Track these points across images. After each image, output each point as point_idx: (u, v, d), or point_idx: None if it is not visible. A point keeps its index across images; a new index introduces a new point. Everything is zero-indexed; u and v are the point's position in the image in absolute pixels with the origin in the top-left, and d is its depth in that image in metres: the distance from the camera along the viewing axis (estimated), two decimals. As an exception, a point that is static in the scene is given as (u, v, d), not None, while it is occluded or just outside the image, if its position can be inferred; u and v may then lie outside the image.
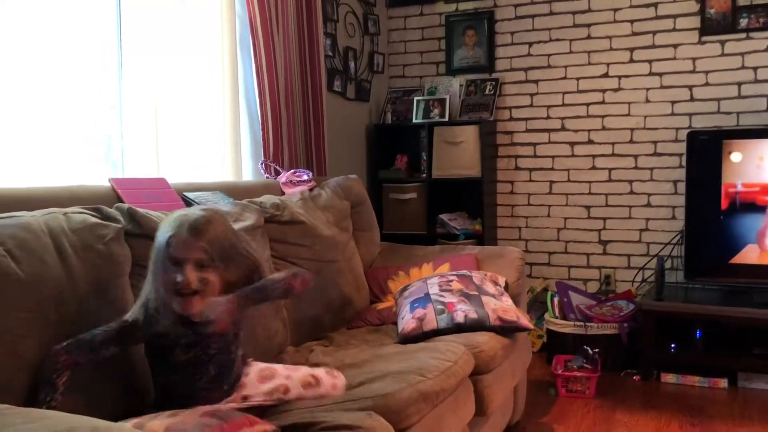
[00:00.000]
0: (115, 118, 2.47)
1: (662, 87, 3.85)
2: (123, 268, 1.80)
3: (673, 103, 3.83)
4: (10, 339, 1.47)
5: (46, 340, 1.53)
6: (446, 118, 4.08)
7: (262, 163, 3.07)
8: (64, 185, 2.01)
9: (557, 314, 3.70)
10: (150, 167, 2.61)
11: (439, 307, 2.39)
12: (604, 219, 4.03)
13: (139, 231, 1.89)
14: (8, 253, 1.53)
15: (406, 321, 2.39)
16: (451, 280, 2.53)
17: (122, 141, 2.51)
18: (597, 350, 3.35)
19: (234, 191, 2.57)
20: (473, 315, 2.36)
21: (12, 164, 2.12)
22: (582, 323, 3.57)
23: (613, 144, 3.98)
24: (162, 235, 1.55)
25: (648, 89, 3.88)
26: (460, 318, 2.34)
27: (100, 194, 2.06)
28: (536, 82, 4.12)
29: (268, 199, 2.60)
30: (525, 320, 2.45)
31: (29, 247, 1.58)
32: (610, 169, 4.00)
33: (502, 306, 2.42)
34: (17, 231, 1.59)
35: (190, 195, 2.37)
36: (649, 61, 3.87)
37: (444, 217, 4.07)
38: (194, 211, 1.59)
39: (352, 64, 4.02)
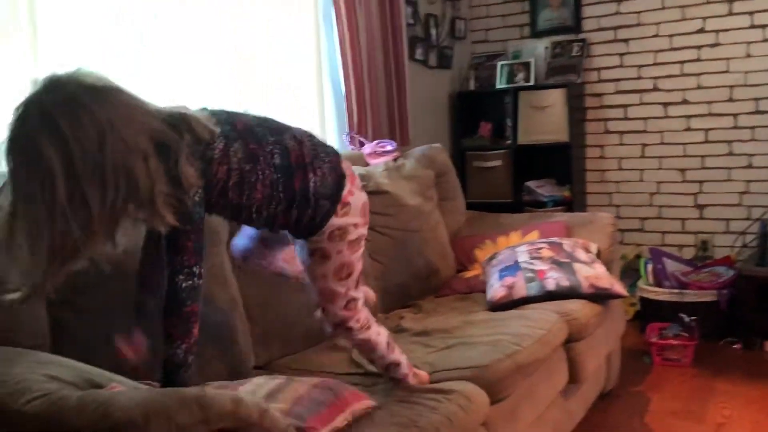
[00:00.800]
0: (198, 88, 2.54)
1: (765, 40, 3.60)
2: (221, 236, 1.87)
3: (777, 56, 3.59)
4: (105, 309, 1.55)
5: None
6: (532, 83, 3.98)
7: (346, 135, 3.10)
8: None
9: (651, 281, 3.58)
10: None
11: (529, 275, 2.36)
12: (701, 182, 3.85)
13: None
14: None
15: (495, 289, 2.38)
16: (541, 248, 2.50)
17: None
18: (694, 318, 3.23)
19: (321, 163, 2.61)
20: (565, 282, 2.32)
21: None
22: (678, 290, 3.45)
23: (709, 103, 3.78)
24: None
25: (749, 43, 3.64)
26: (551, 286, 2.31)
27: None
28: (626, 41, 3.95)
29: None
30: (619, 287, 2.39)
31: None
32: (706, 130, 3.80)
33: (594, 273, 2.37)
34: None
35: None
36: (750, 13, 3.63)
37: (531, 184, 3.99)
38: None
39: (433, 32, 3.97)
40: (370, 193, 2.55)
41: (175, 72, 2.38)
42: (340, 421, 1.36)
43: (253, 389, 1.39)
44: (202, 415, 1.00)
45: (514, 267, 2.41)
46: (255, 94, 2.74)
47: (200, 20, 2.49)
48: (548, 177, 4.06)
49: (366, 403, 1.48)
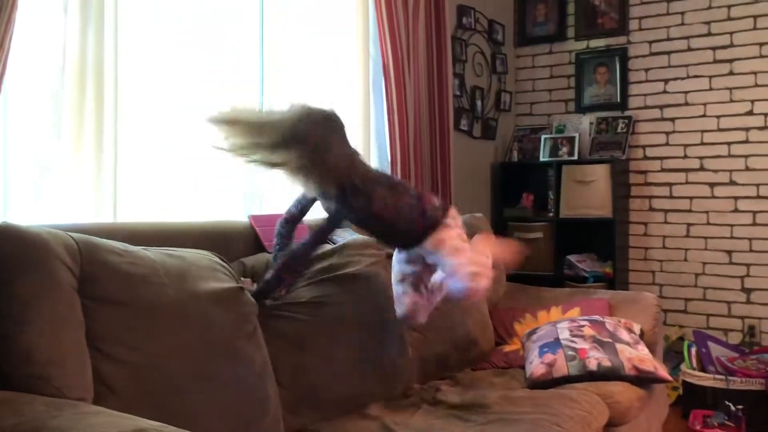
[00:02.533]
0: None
1: (815, 125, 3.58)
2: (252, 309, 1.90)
3: (827, 140, 3.55)
4: (160, 361, 1.58)
5: (191, 364, 1.64)
6: (575, 157, 3.99)
7: (390, 201, 3.12)
8: (210, 221, 2.15)
9: (695, 365, 3.47)
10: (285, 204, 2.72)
11: (570, 353, 2.31)
12: (748, 265, 3.76)
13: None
14: (168, 280, 1.66)
15: (535, 366, 2.33)
16: (583, 326, 2.45)
17: (259, 180, 2.64)
18: (741, 407, 3.10)
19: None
20: (607, 363, 2.26)
21: (159, 199, 2.28)
22: (723, 377, 3.32)
23: (758, 186, 3.73)
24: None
25: (799, 127, 3.62)
26: (592, 366, 2.25)
27: (240, 230, 2.19)
28: (672, 120, 3.95)
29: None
30: (663, 371, 2.32)
31: (184, 276, 1.70)
32: (754, 213, 3.74)
33: (638, 355, 2.31)
34: (176, 262, 1.72)
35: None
36: (800, 98, 3.61)
37: (572, 258, 3.95)
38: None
39: (479, 103, 4.04)
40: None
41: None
42: None
43: None
44: None
45: (555, 344, 2.36)
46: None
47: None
48: (590, 252, 4.02)
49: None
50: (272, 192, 2.67)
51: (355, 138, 3.03)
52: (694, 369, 3.46)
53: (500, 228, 4.06)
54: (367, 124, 3.10)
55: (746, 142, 3.75)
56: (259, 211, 2.62)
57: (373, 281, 2.33)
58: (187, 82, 2.36)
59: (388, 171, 3.13)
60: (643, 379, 2.27)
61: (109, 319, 1.54)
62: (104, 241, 1.61)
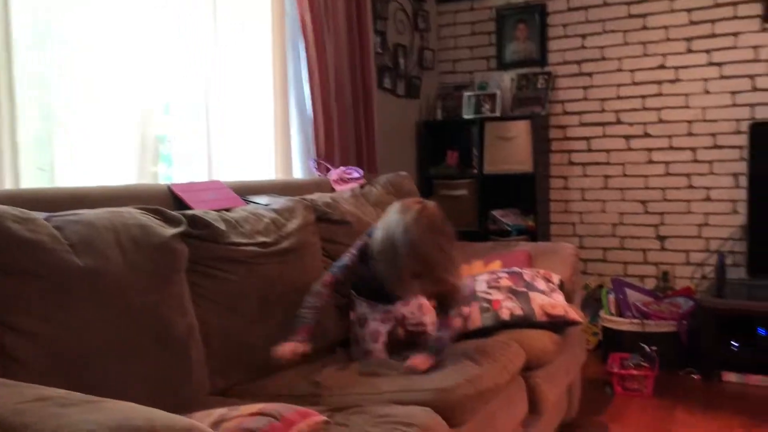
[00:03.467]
0: (166, 119, 2.53)
1: (722, 77, 3.72)
2: (181, 264, 1.86)
3: (733, 93, 3.70)
4: (74, 331, 1.54)
5: (109, 330, 1.60)
6: (498, 113, 4.04)
7: (313, 161, 3.10)
8: (125, 185, 2.07)
9: (613, 311, 3.63)
10: (202, 168, 2.66)
11: (485, 305, 2.37)
12: (662, 214, 3.93)
13: (197, 233, 1.96)
14: (72, 248, 1.60)
15: (454, 318, 2.38)
16: (501, 277, 2.51)
17: (171, 142, 2.57)
18: (655, 348, 3.27)
19: (285, 189, 2.61)
20: (518, 312, 2.33)
21: (68, 164, 2.19)
22: (639, 321, 3.49)
23: (670, 137, 3.88)
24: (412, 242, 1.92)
25: (707, 80, 3.76)
26: (505, 315, 2.32)
27: (159, 196, 2.12)
28: (590, 74, 4.04)
29: (319, 196, 2.63)
30: (574, 314, 2.40)
31: (92, 243, 1.65)
32: (667, 163, 3.89)
33: (550, 302, 2.39)
34: (81, 228, 1.66)
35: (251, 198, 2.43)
36: (708, 51, 3.75)
37: (496, 213, 4.04)
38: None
39: (402, 61, 4.02)
40: (334, 222, 2.58)
41: (140, 95, 2.37)
42: None
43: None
44: None
45: (471, 297, 2.42)
46: (221, 117, 2.73)
47: (165, 41, 2.48)
48: (513, 206, 4.11)
49: (315, 419, 1.46)
50: (183, 158, 2.61)
51: (272, 101, 2.98)
52: (612, 315, 3.61)
53: (425, 186, 4.09)
54: (285, 86, 3.04)
55: (659, 95, 3.88)
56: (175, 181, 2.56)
57: (303, 245, 2.32)
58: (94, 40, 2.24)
59: (311, 134, 3.09)
60: (554, 324, 2.35)
61: (12, 289, 1.47)
62: (0, 207, 1.54)
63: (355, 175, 3.05)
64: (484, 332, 2.30)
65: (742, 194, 3.64)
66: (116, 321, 1.63)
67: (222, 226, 2.05)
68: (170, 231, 1.86)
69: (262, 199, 2.45)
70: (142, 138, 2.37)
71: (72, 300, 1.56)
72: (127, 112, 2.33)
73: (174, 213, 1.95)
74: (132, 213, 1.84)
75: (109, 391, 1.52)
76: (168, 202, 2.12)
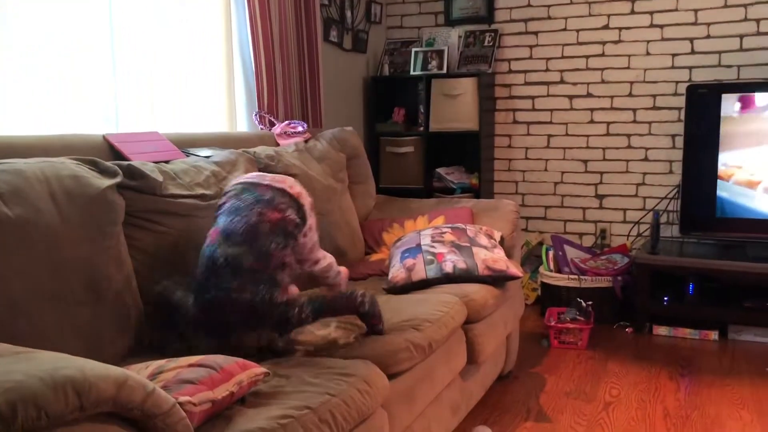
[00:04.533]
0: (108, 70, 2.44)
1: (663, 39, 3.79)
2: (117, 217, 1.81)
3: (673, 56, 3.78)
4: (4, 279, 1.49)
5: (41, 282, 1.55)
6: (444, 71, 4.03)
7: (256, 114, 3.05)
8: (59, 134, 2.00)
9: (552, 267, 3.72)
10: (144, 120, 2.58)
11: (429, 257, 2.40)
12: (601, 173, 4.02)
13: (134, 184, 1.91)
14: (1, 198, 1.54)
15: (396, 270, 2.41)
16: (445, 232, 2.54)
17: (115, 93, 2.48)
18: (590, 303, 3.38)
19: (228, 142, 2.56)
20: (462, 265, 2.37)
21: (7, 113, 2.10)
22: (576, 276, 3.60)
23: (612, 97, 3.95)
24: None
25: (648, 42, 3.82)
26: (448, 268, 2.36)
27: (94, 146, 2.05)
28: (536, 33, 4.06)
29: (262, 150, 2.59)
30: (514, 269, 2.46)
31: (23, 193, 1.59)
32: (608, 123, 3.97)
33: (492, 256, 2.44)
34: (11, 177, 1.60)
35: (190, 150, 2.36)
36: (651, 13, 3.80)
37: (441, 171, 4.06)
38: None
39: (348, 14, 3.95)
40: (279, 174, 2.54)
41: (83, 46, 2.27)
42: (221, 391, 1.33)
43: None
44: (78, 402, 0.95)
45: (416, 249, 2.44)
46: (163, 69, 2.65)
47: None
48: (458, 164, 4.15)
49: (255, 370, 1.46)
50: (125, 111, 2.52)
51: (216, 54, 2.90)
52: (551, 271, 3.71)
53: (372, 143, 4.08)
54: (230, 37, 2.96)
55: (602, 55, 3.93)
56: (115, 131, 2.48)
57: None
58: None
59: (254, 86, 3.03)
60: (496, 278, 2.40)
61: (-65, 240, 1.42)
62: None
63: (300, 129, 3.01)
64: (427, 284, 2.33)
65: (678, 155, 3.76)
66: (49, 273, 1.59)
67: (159, 178, 2.00)
68: (106, 182, 1.81)
69: (203, 152, 2.40)
70: (84, 90, 2.28)
71: (2, 251, 1.50)
72: (69, 63, 2.23)
73: (110, 164, 1.90)
74: (66, 163, 1.78)
75: (42, 343, 1.50)
76: (104, 152, 2.06)
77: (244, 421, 1.33)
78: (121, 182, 1.86)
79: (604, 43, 3.92)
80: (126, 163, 1.96)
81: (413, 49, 4.13)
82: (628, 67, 3.88)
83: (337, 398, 1.48)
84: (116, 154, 2.09)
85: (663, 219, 3.82)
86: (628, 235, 3.96)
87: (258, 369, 1.48)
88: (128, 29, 2.50)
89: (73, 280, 1.64)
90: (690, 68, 3.75)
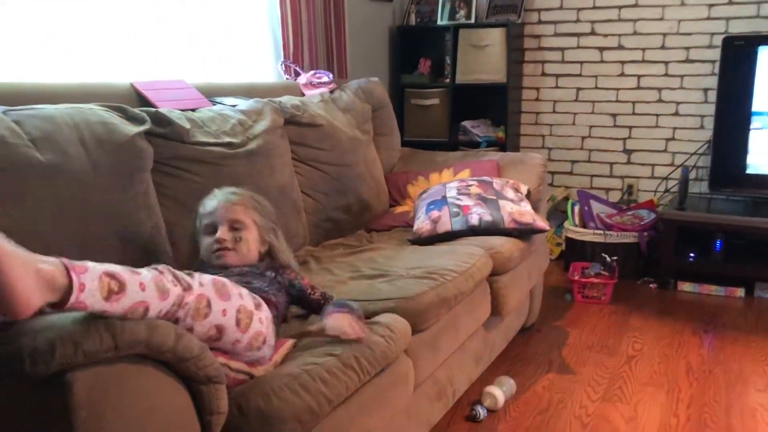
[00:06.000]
0: (136, 20, 2.42)
1: (700, -11, 3.67)
2: (146, 164, 1.83)
3: (710, 6, 3.66)
4: (33, 226, 1.52)
5: (71, 226, 1.57)
6: (472, 20, 3.95)
7: (281, 64, 3.02)
8: (87, 82, 2.00)
9: (577, 222, 3.70)
10: (169, 68, 2.57)
11: (455, 209, 2.39)
12: (630, 128, 3.95)
13: (161, 131, 1.91)
14: (32, 143, 1.56)
15: (421, 222, 2.41)
16: (471, 185, 2.53)
17: (142, 42, 2.47)
18: (615, 258, 3.36)
19: (253, 92, 2.55)
20: (488, 218, 2.36)
21: (38, 61, 2.10)
22: (601, 231, 3.57)
23: (643, 50, 3.85)
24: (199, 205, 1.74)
25: (684, -9, 3.70)
26: (474, 221, 2.35)
27: (122, 94, 2.06)
28: (567, -18, 3.95)
29: (288, 99, 2.58)
30: (541, 222, 2.44)
31: (53, 138, 1.61)
32: (639, 76, 3.88)
33: (518, 210, 2.42)
34: (41, 122, 1.61)
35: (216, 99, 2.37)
36: (688, -39, 3.67)
37: (466, 124, 4.02)
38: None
39: (375, -38, 3.87)
40: (305, 125, 2.54)
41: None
42: (260, 371, 1.36)
43: None
44: (112, 342, 0.97)
45: (441, 202, 2.44)
46: (189, 18, 2.63)
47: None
48: (484, 117, 4.09)
49: (288, 345, 1.49)
50: (149, 58, 2.51)
51: (242, 3, 2.87)
52: (576, 226, 3.68)
53: (397, 95, 4.04)
54: (255, -18, 2.92)
55: (635, 6, 3.82)
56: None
57: (271, 147, 2.29)
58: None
59: (280, 36, 3.00)
60: (522, 231, 2.39)
61: (-30, 183, 1.44)
62: (-48, 99, 1.48)
63: (325, 79, 2.98)
64: (452, 236, 2.33)
65: (710, 109, 3.67)
66: (78, 218, 1.61)
67: (187, 125, 2.00)
68: (134, 129, 1.82)
69: (229, 101, 2.40)
70: (112, 39, 2.27)
71: (32, 195, 1.53)
72: (97, 11, 2.22)
73: (138, 111, 1.90)
74: (94, 110, 1.79)
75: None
76: (131, 100, 2.06)
77: (271, 374, 1.36)
78: (149, 129, 1.87)
79: (637, -8, 3.80)
80: (153, 110, 1.96)
81: (440, -2, 4.04)
82: (661, 18, 3.77)
83: (361, 344, 1.50)
84: (143, 102, 2.09)
85: (692, 175, 3.76)
86: (656, 191, 3.90)
87: (289, 343, 1.49)
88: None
89: (102, 225, 1.67)
90: (727, 19, 3.63)
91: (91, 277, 1.00)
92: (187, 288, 1.18)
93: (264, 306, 1.42)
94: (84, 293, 0.98)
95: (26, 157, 1.53)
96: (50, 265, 0.97)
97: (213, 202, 1.71)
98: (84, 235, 1.61)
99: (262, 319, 1.37)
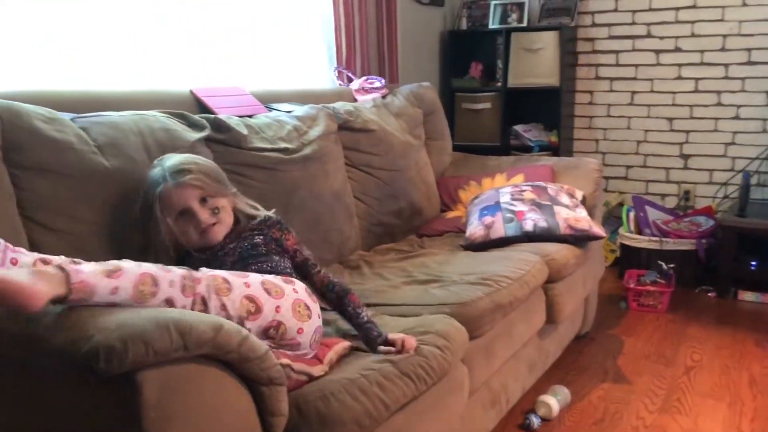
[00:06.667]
0: (195, 28, 2.47)
1: (762, -11, 3.56)
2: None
3: (773, 6, 3.55)
4: (97, 228, 1.56)
5: (131, 231, 1.62)
6: (524, 24, 3.91)
7: (335, 70, 3.05)
8: (149, 89, 2.06)
9: (632, 229, 3.62)
10: (225, 75, 2.62)
11: (508, 215, 2.37)
12: (687, 132, 3.85)
13: (220, 137, 1.95)
14: (98, 149, 1.60)
15: (474, 227, 2.39)
16: (525, 190, 2.50)
17: (201, 50, 2.52)
18: (672, 266, 3.28)
19: (307, 98, 2.58)
20: (543, 224, 2.33)
21: (101, 69, 2.16)
22: (657, 238, 3.49)
23: (702, 52, 3.75)
24: (150, 193, 1.55)
25: (746, -9, 3.60)
26: (528, 226, 2.32)
27: (182, 100, 2.11)
28: (622, -16, 3.88)
29: (341, 105, 2.60)
30: (597, 228, 2.40)
31: (118, 144, 1.65)
32: (697, 79, 3.78)
33: (574, 216, 2.39)
34: (107, 129, 1.66)
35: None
36: (750, -40, 3.57)
37: (518, 128, 3.98)
38: (169, 159, 1.60)
39: (426, -33, 3.87)
40: (357, 130, 2.56)
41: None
42: (318, 370, 1.37)
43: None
44: (181, 342, 1.00)
45: (495, 207, 2.42)
46: (246, 27, 2.67)
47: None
48: (536, 121, 4.05)
49: (343, 344, 1.50)
50: (207, 66, 2.56)
51: (296, 10, 2.90)
52: (631, 232, 3.61)
53: (448, 99, 4.03)
54: (309, -11, 2.95)
55: (694, 7, 3.72)
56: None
57: (325, 152, 2.32)
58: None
59: (333, 42, 3.02)
60: (578, 238, 2.35)
61: (41, 188, 1.49)
62: (27, 106, 1.53)
63: (378, 84, 3.00)
64: (506, 242, 2.31)
65: (773, 113, 3.56)
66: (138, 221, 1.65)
67: (244, 131, 2.04)
68: (195, 135, 1.86)
69: (284, 107, 2.43)
70: (169, 45, 2.33)
71: (98, 200, 1.57)
72: (154, 18, 2.28)
73: (198, 117, 1.94)
74: (157, 116, 1.83)
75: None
76: (191, 106, 2.11)
77: (328, 377, 1.37)
78: (209, 135, 1.91)
79: (696, -7, 3.71)
80: (213, 116, 2.00)
81: (492, 2, 4.02)
82: (721, 20, 3.67)
83: (417, 354, 1.49)
84: (202, 108, 2.13)
85: (753, 180, 3.64)
86: (714, 197, 3.80)
87: (345, 343, 1.50)
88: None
89: (165, 230, 1.70)
90: (791, 20, 3.52)
91: (88, 266, 1.10)
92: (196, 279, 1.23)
93: (296, 281, 1.45)
94: (84, 274, 1.07)
95: (93, 162, 1.58)
96: (47, 267, 1.08)
97: (170, 188, 1.53)
98: (147, 239, 1.65)
99: (297, 289, 1.40)
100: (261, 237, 1.61)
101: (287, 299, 1.35)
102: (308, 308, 1.40)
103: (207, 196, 1.57)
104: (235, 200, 1.66)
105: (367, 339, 1.53)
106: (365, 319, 1.56)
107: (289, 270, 1.59)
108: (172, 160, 1.59)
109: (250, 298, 1.28)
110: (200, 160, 1.64)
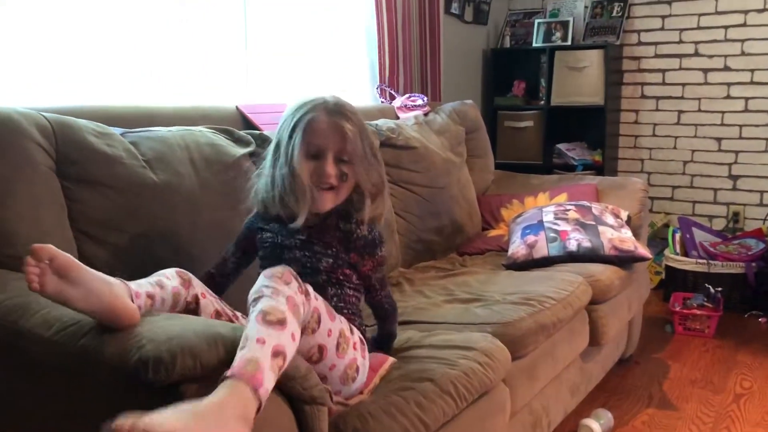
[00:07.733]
0: (240, 45, 2.52)
1: (816, 6, 3.47)
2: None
3: (827, 24, 3.46)
4: (146, 242, 1.59)
5: (180, 244, 1.64)
6: (569, 42, 3.89)
7: (377, 88, 3.06)
8: (196, 105, 2.09)
9: (678, 251, 3.54)
10: (270, 92, 2.66)
11: (552, 234, 2.33)
12: (737, 152, 3.76)
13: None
14: (147, 164, 1.63)
15: (517, 246, 2.37)
16: (568, 210, 2.46)
17: (247, 67, 2.56)
18: (720, 289, 3.19)
19: (351, 114, 2.58)
20: (587, 244, 2.29)
21: (150, 85, 2.21)
22: (705, 261, 3.40)
23: (752, 71, 3.66)
24: (297, 115, 1.36)
25: (799, 9, 3.51)
26: (572, 246, 2.28)
27: (228, 116, 2.14)
28: (669, 3, 3.82)
29: (383, 122, 2.61)
30: (643, 250, 2.35)
31: (166, 158, 1.68)
32: (747, 99, 3.69)
33: (619, 236, 2.34)
34: (155, 144, 1.69)
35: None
36: (803, -22, 3.49)
37: (561, 146, 3.93)
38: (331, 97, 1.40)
39: (470, -14, 3.88)
40: (398, 148, 2.56)
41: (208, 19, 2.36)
42: (361, 397, 1.36)
43: None
44: (227, 357, 1.00)
45: (538, 226, 2.38)
46: (290, 44, 2.71)
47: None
48: (580, 140, 4.00)
49: (386, 366, 1.48)
50: (251, 82, 2.60)
51: (340, 28, 2.93)
52: (677, 254, 3.53)
53: (490, 117, 4.01)
54: (354, 11, 2.98)
55: (744, 25, 3.65)
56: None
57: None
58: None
59: (376, 60, 3.04)
60: (622, 259, 2.30)
61: (91, 200, 1.53)
62: (80, 121, 1.57)
63: (420, 102, 3.00)
64: (549, 261, 2.28)
65: (827, 133, 3.45)
66: (188, 235, 1.68)
67: (289, 148, 2.05)
68: (240, 150, 1.88)
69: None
70: (215, 63, 2.37)
71: (146, 213, 1.60)
72: (202, 37, 2.33)
73: (243, 133, 1.97)
74: (203, 132, 1.86)
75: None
76: (236, 122, 2.14)
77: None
78: (254, 151, 1.93)
79: (746, 12, 3.63)
80: (258, 132, 2.03)
81: (536, 20, 4.01)
82: (773, 38, 3.59)
83: (457, 370, 1.47)
84: (248, 124, 2.16)
85: (806, 203, 3.53)
86: (765, 219, 3.69)
87: (389, 362, 1.49)
88: (260, 6, 2.56)
89: (211, 241, 1.72)
90: None
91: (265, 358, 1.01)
92: (307, 294, 1.18)
93: (356, 330, 1.40)
94: (264, 372, 0.99)
95: (141, 176, 1.61)
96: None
97: (324, 119, 1.34)
98: (193, 253, 1.67)
99: (356, 345, 1.35)
100: (335, 247, 1.40)
101: (345, 360, 1.31)
102: (357, 371, 1.34)
103: (346, 156, 1.36)
104: (362, 180, 1.39)
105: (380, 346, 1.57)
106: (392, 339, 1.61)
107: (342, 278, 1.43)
108: (336, 100, 1.39)
109: (321, 348, 1.25)
110: (364, 122, 1.43)
